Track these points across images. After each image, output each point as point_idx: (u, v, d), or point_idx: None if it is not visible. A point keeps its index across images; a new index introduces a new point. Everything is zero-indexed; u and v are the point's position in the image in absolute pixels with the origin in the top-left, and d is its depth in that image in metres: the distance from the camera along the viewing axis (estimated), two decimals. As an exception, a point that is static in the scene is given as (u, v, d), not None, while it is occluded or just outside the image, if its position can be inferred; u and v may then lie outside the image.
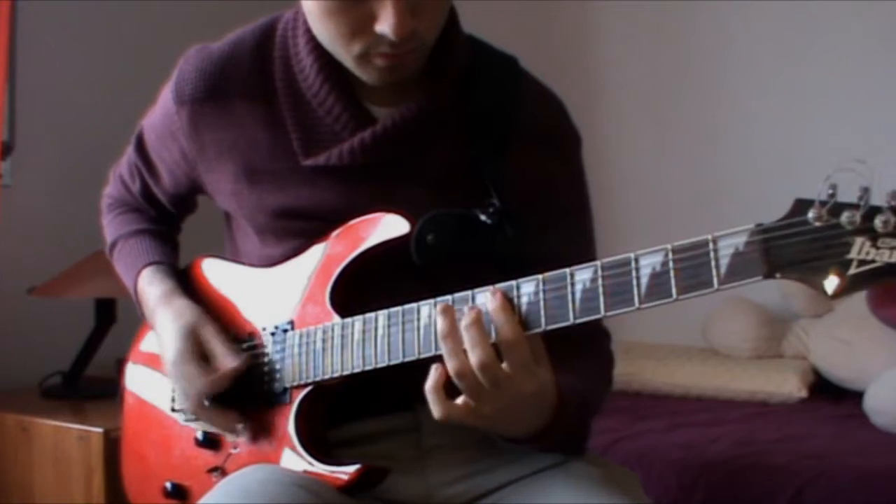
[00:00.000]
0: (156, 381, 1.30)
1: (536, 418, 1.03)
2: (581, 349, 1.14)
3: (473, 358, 0.96)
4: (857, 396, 2.38)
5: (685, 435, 2.19)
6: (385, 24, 1.02)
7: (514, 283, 0.98)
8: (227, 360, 1.15)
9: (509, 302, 0.97)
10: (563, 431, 1.06)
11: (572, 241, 1.19)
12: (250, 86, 1.18)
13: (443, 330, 0.98)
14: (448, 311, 0.98)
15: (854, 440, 2.14)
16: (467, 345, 0.96)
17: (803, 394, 2.53)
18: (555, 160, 1.20)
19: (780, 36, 3.03)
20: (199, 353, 1.16)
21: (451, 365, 0.97)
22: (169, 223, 1.38)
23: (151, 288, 1.26)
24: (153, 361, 1.31)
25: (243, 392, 1.16)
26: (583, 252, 1.19)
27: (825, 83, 2.95)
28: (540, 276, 0.97)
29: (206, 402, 1.15)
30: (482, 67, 1.19)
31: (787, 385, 2.54)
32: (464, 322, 0.97)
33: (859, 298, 2.50)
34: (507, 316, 0.96)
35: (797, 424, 2.30)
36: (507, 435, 1.06)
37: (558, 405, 1.03)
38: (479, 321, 0.97)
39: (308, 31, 1.14)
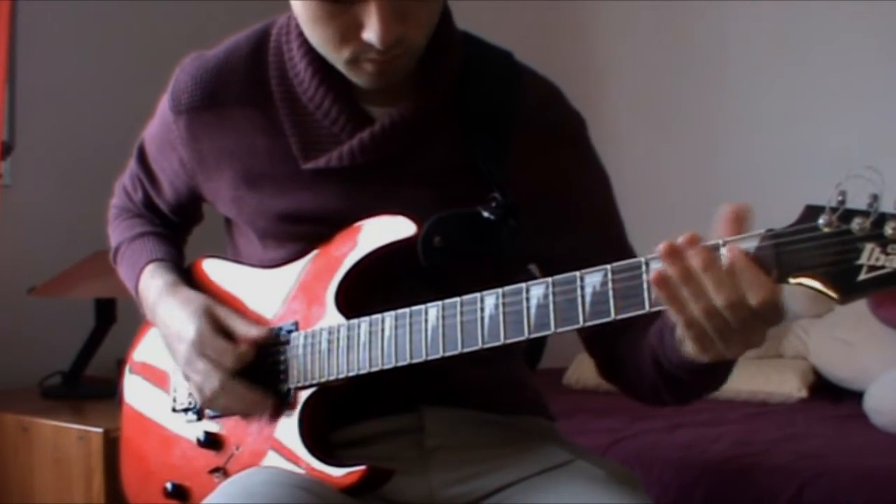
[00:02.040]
0: (151, 392, 1.30)
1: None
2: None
3: (720, 300, 0.87)
4: (857, 396, 2.38)
5: (685, 435, 2.19)
6: (371, 32, 1.02)
7: (523, 285, 0.98)
8: (250, 331, 1.15)
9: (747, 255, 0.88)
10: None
11: (600, 234, 1.19)
12: (246, 92, 1.18)
13: (680, 273, 0.88)
14: (676, 253, 0.88)
15: (854, 440, 2.14)
16: (710, 287, 0.87)
17: (803, 394, 2.53)
18: (560, 145, 1.20)
19: (781, 36, 3.03)
20: (220, 329, 1.16)
21: (695, 310, 0.88)
22: (172, 230, 1.38)
23: (153, 281, 1.26)
24: (147, 371, 1.32)
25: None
26: (613, 240, 1.19)
27: (826, 83, 2.96)
28: (549, 279, 0.97)
29: (233, 379, 1.13)
30: (477, 63, 1.19)
31: (787, 385, 2.55)
32: (698, 265, 0.87)
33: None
34: (755, 277, 0.86)
35: (797, 424, 2.30)
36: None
37: None
38: (715, 261, 0.87)
39: (302, 34, 1.14)
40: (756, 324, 0.88)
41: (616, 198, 1.24)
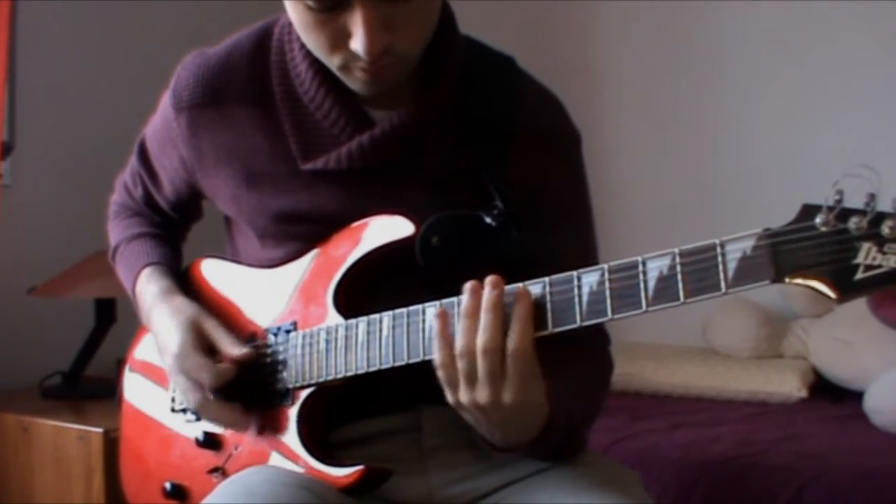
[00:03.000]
0: (151, 390, 1.30)
1: (520, 432, 1.02)
2: (580, 355, 1.14)
3: (481, 339, 0.96)
4: (857, 396, 2.39)
5: (685, 435, 2.19)
6: (357, 42, 1.02)
7: (520, 284, 0.98)
8: (232, 350, 1.14)
9: (536, 311, 0.97)
10: (549, 447, 1.06)
11: (572, 244, 1.19)
12: (248, 91, 1.18)
13: (468, 308, 0.97)
14: (477, 292, 0.98)
15: (854, 440, 2.14)
16: (481, 325, 0.96)
17: (803, 394, 2.53)
18: (554, 161, 1.20)
19: (781, 36, 3.03)
20: (203, 345, 1.15)
21: (459, 343, 0.97)
22: (172, 229, 1.38)
23: (148, 287, 1.26)
24: (147, 369, 1.32)
25: (245, 393, 1.15)
26: (583, 254, 1.19)
27: (825, 83, 2.96)
28: (546, 279, 0.97)
29: (212, 396, 1.14)
30: (479, 68, 1.19)
31: (787, 385, 2.55)
32: (485, 303, 0.97)
33: (859, 299, 2.50)
34: (527, 326, 0.96)
35: (797, 424, 2.30)
36: (487, 438, 1.05)
37: (546, 423, 1.02)
38: (500, 306, 0.97)
39: None
40: (499, 379, 0.96)
41: (593, 215, 1.25)
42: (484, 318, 0.97)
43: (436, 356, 0.99)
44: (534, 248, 1.10)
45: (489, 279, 0.98)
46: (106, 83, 2.74)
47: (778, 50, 3.04)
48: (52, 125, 2.62)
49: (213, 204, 1.27)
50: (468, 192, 1.13)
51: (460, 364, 0.97)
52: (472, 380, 0.97)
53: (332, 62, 1.08)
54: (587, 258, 1.18)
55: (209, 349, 1.15)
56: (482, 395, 0.97)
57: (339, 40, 1.04)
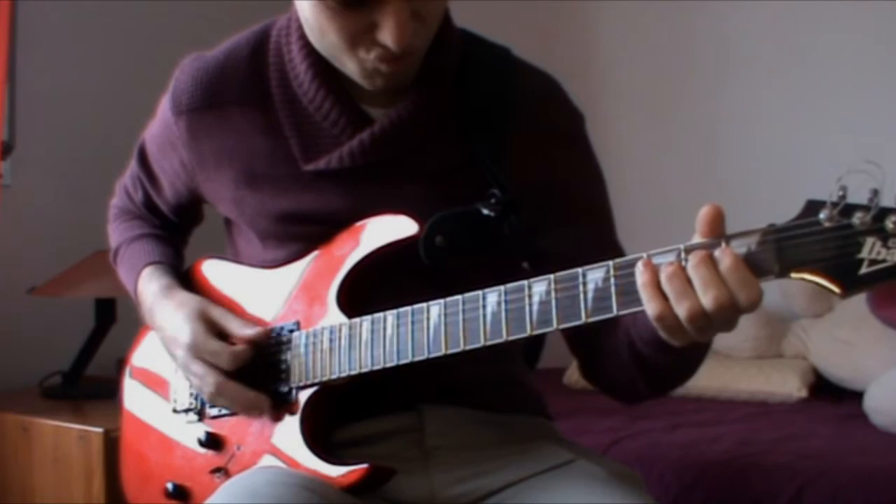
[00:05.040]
0: (151, 395, 1.30)
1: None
2: None
3: (708, 299, 0.88)
4: (857, 396, 2.39)
5: (685, 435, 2.20)
6: (387, 34, 1.03)
7: (525, 282, 0.98)
8: (245, 331, 1.15)
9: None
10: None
11: (592, 234, 1.18)
12: (246, 93, 1.18)
13: (675, 271, 0.89)
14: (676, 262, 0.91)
15: (854, 440, 2.14)
16: (698, 285, 0.88)
17: (803, 394, 2.53)
18: (560, 144, 1.19)
19: (781, 35, 3.04)
20: (214, 332, 1.16)
21: (684, 307, 0.89)
22: (173, 232, 1.38)
23: (150, 285, 1.26)
24: (146, 377, 1.32)
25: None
26: (605, 240, 1.19)
27: (826, 82, 2.96)
28: (551, 276, 0.97)
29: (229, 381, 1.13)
30: (476, 61, 1.19)
31: (787, 385, 2.55)
32: (691, 262, 0.89)
33: (859, 298, 2.51)
34: (747, 273, 0.87)
35: (797, 424, 2.30)
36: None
37: None
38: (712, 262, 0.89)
39: (302, 36, 1.14)
40: (735, 317, 0.90)
41: (609, 197, 1.24)
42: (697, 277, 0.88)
43: (649, 308, 0.91)
44: (555, 243, 1.09)
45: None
46: (106, 83, 2.74)
47: (780, 48, 3.04)
48: (52, 125, 2.62)
49: (213, 207, 1.27)
50: (469, 186, 1.13)
51: (691, 325, 0.90)
52: (705, 329, 0.91)
53: (351, 59, 1.08)
54: (609, 243, 1.18)
55: (220, 335, 1.16)
56: (731, 326, 0.91)
57: (361, 35, 1.05)
